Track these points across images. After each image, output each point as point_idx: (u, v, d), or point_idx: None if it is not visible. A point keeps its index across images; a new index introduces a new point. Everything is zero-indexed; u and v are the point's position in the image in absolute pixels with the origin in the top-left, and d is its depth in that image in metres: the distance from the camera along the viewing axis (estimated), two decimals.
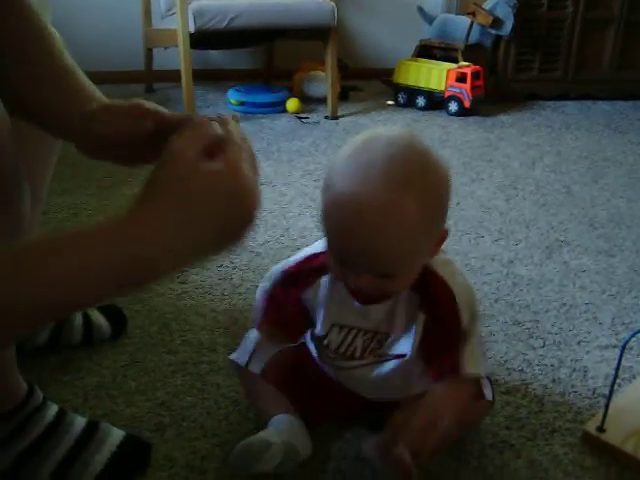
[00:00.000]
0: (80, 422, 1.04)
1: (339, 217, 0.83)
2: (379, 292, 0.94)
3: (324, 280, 1.00)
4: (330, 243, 0.89)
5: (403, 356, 1.02)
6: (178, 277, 1.63)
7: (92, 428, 1.04)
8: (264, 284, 1.06)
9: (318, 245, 1.01)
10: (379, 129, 0.89)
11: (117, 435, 1.05)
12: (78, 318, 1.32)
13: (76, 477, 0.99)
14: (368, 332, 1.02)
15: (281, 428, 1.05)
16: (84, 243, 0.62)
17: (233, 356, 1.16)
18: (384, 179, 0.81)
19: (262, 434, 1.02)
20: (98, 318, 1.35)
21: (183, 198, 0.63)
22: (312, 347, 1.11)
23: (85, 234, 0.63)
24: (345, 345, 1.03)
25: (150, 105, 0.77)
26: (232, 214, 0.66)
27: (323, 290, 1.00)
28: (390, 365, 1.04)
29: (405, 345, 1.01)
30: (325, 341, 1.05)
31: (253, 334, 1.16)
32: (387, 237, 0.82)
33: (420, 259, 0.90)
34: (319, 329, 1.04)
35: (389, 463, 0.94)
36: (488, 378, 1.15)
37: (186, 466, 1.06)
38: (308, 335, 1.12)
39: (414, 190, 0.81)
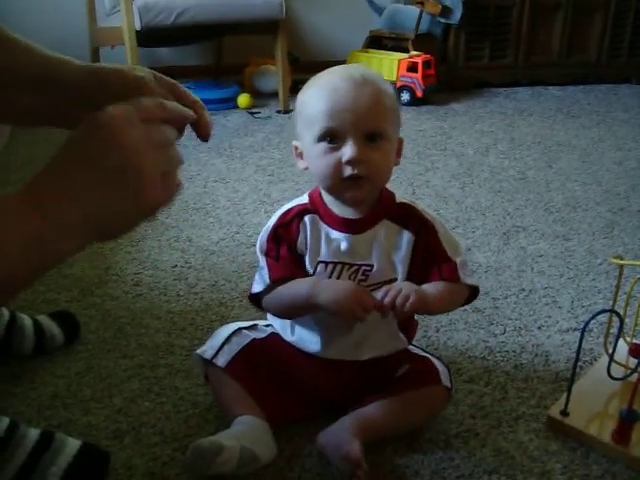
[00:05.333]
0: (33, 434, 1.00)
1: (337, 96, 0.98)
2: (367, 167, 0.99)
3: (306, 221, 1.07)
4: (325, 121, 0.98)
5: (394, 280, 1.06)
6: (132, 279, 1.59)
7: (46, 439, 1.00)
8: (260, 246, 1.09)
9: (281, 209, 1.09)
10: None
11: (73, 445, 1.01)
12: (29, 326, 1.28)
13: None
14: (353, 266, 1.06)
15: (241, 431, 1.03)
16: None
17: (199, 350, 1.15)
18: (365, 73, 1.01)
19: (217, 436, 1.00)
20: (50, 325, 1.31)
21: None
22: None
23: None
24: None
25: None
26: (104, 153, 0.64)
27: (306, 231, 1.07)
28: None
29: (394, 271, 1.06)
30: None
31: (224, 331, 1.15)
32: (376, 99, 0.99)
33: (393, 142, 1.02)
34: (308, 268, 1.07)
35: (340, 456, 0.98)
36: (446, 366, 1.14)
37: (147, 473, 1.03)
38: (279, 326, 1.14)
39: (385, 83, 1.03)
